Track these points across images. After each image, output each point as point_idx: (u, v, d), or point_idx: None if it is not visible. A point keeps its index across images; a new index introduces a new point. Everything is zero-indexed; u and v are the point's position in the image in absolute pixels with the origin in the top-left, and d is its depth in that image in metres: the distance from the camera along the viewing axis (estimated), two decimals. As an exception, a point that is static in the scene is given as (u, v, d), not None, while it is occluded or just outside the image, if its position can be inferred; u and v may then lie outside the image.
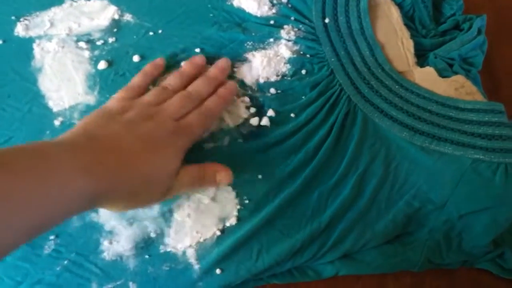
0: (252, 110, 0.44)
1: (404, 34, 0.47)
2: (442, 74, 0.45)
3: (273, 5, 0.48)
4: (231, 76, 0.45)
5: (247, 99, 0.44)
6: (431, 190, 0.41)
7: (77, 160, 0.31)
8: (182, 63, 0.44)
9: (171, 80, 0.42)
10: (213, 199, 0.41)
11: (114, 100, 0.40)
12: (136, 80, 0.42)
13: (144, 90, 0.42)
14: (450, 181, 0.40)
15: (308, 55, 0.46)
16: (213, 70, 0.43)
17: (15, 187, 0.27)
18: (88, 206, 0.32)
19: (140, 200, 0.36)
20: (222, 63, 0.44)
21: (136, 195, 0.35)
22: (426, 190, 0.41)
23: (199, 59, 0.44)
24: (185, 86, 0.42)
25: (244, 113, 0.43)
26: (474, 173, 0.40)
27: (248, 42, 0.46)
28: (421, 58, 0.47)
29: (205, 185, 0.40)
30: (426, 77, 0.45)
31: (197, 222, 0.40)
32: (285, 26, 0.47)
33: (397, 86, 0.44)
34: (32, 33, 0.46)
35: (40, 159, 0.29)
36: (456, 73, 0.45)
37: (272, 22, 0.47)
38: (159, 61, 0.44)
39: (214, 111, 0.41)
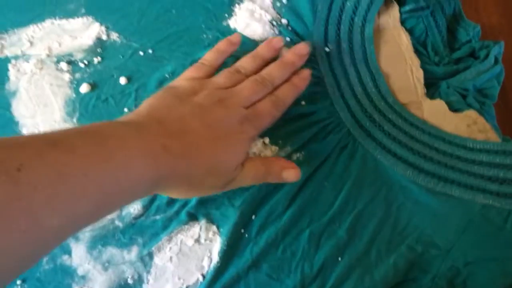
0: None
1: (414, 63, 0.47)
2: (454, 106, 0.46)
3: (273, 25, 0.48)
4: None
5: None
6: (435, 233, 0.41)
7: (142, 143, 0.32)
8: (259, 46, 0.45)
9: (245, 62, 0.43)
10: (197, 240, 0.42)
11: (183, 79, 0.41)
12: (208, 57, 0.44)
13: (215, 69, 0.43)
14: (457, 226, 0.41)
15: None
16: (290, 55, 0.44)
17: (73, 167, 0.27)
18: (148, 191, 0.34)
19: (202, 188, 0.38)
20: (301, 48, 0.45)
21: (199, 183, 0.36)
22: (430, 234, 0.41)
23: (276, 41, 0.45)
24: (258, 70, 0.43)
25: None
26: (484, 219, 0.40)
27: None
28: (433, 87, 0.48)
29: (269, 180, 0.41)
30: (436, 111, 0.46)
31: (180, 266, 0.41)
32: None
33: (401, 121, 0.45)
34: (7, 53, 0.48)
35: (102, 139, 0.30)
36: (469, 105, 0.46)
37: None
38: (235, 37, 0.45)
39: (286, 101, 0.42)
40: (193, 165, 0.34)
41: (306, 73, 0.44)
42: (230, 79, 0.41)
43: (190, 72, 0.42)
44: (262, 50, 0.45)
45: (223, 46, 0.44)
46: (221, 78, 0.41)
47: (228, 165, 0.37)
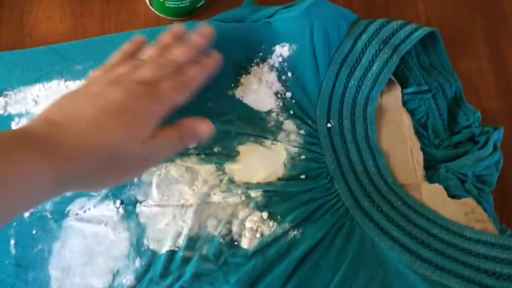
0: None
1: (414, 145, 0.49)
2: (453, 191, 0.47)
3: (277, 98, 0.50)
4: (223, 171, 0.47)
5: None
6: (431, 324, 0.42)
7: (33, 143, 0.32)
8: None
9: (148, 51, 0.44)
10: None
11: (87, 80, 0.42)
12: (114, 58, 0.44)
13: None
14: (452, 317, 0.41)
15: (307, 159, 0.48)
16: (194, 37, 0.44)
17: None
18: (57, 189, 0.33)
19: (114, 175, 0.38)
20: (204, 29, 0.45)
21: (108, 170, 0.36)
22: (425, 323, 0.42)
23: (178, 28, 0.46)
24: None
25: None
26: (479, 314, 0.41)
27: (243, 137, 0.49)
28: (432, 169, 0.49)
29: (186, 143, 0.42)
30: (434, 195, 0.47)
31: None
32: (286, 126, 0.49)
33: (399, 202, 0.46)
34: (11, 110, 0.49)
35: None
36: (468, 191, 0.47)
37: (272, 120, 0.49)
38: (138, 37, 0.46)
39: (195, 79, 0.42)
40: (93, 153, 0.34)
41: (215, 53, 0.45)
42: (130, 66, 0.41)
43: (94, 73, 0.42)
44: (165, 38, 0.45)
45: (128, 47, 0.45)
46: (121, 67, 0.41)
47: (131, 144, 0.37)
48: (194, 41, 0.44)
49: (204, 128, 0.41)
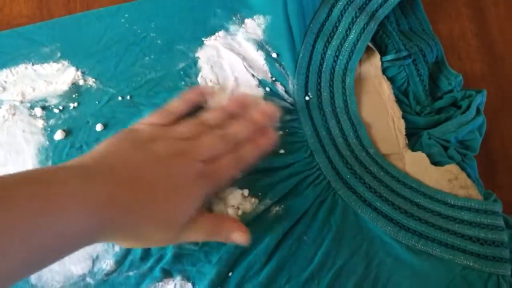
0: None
1: (395, 113, 0.48)
2: (436, 158, 0.46)
3: (253, 75, 0.48)
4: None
5: None
6: (416, 293, 0.41)
7: (87, 192, 0.31)
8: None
9: (211, 115, 0.43)
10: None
11: (144, 124, 0.41)
12: (174, 104, 0.44)
13: (179, 117, 0.43)
14: (437, 286, 0.41)
15: (285, 134, 0.46)
16: (258, 115, 0.44)
17: (13, 218, 0.27)
18: (92, 241, 0.33)
19: (150, 241, 0.37)
20: (268, 108, 0.44)
21: (146, 236, 0.36)
22: (411, 293, 0.41)
23: (245, 98, 0.45)
24: (223, 125, 0.43)
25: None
26: (464, 281, 0.40)
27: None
28: (414, 136, 0.48)
29: (219, 239, 0.41)
30: (417, 163, 0.46)
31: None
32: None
33: (382, 173, 0.45)
34: (-21, 97, 0.47)
35: (43, 185, 0.29)
36: (451, 157, 0.46)
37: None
38: (205, 88, 0.46)
39: (248, 161, 0.42)
40: (141, 219, 0.34)
41: (272, 134, 0.44)
42: (192, 130, 0.41)
43: (152, 117, 0.42)
44: (230, 105, 0.44)
45: (191, 95, 0.45)
46: (184, 128, 0.41)
47: (178, 220, 0.36)
48: (257, 120, 0.43)
49: (240, 236, 0.40)
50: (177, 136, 0.40)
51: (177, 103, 0.44)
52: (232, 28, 0.50)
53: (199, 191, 0.38)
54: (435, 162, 0.46)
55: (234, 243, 0.40)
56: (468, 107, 0.48)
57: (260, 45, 0.49)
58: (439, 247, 0.41)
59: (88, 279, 0.42)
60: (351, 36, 0.48)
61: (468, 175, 0.45)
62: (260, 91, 0.47)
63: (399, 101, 0.49)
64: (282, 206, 0.44)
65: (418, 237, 0.42)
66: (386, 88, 0.49)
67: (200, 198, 0.38)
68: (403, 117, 0.48)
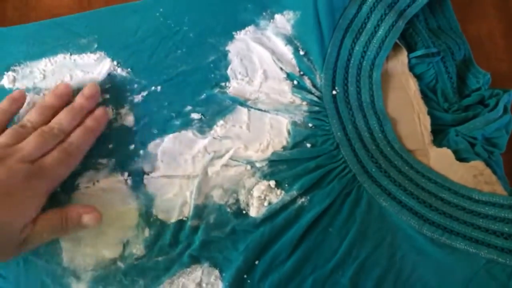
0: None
1: (421, 109, 0.48)
2: (462, 154, 0.46)
3: (281, 69, 0.49)
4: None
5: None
6: (440, 286, 0.41)
7: None
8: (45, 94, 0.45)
9: (31, 115, 0.42)
10: (199, 284, 0.42)
11: None
12: None
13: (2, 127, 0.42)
14: (461, 279, 0.41)
15: (312, 127, 0.47)
16: (79, 100, 0.44)
17: None
18: None
19: None
20: (90, 90, 0.45)
21: None
22: (434, 286, 0.41)
23: (63, 88, 0.45)
24: (48, 121, 0.42)
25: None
26: (488, 275, 0.40)
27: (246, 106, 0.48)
28: (441, 133, 0.48)
29: (69, 231, 0.40)
30: (442, 159, 0.46)
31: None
32: (290, 95, 0.48)
33: (407, 167, 0.45)
34: (19, 85, 0.49)
35: None
36: (478, 154, 0.46)
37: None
38: (18, 94, 0.44)
39: (79, 146, 0.42)
40: None
41: (99, 112, 0.44)
42: (13, 136, 0.40)
43: None
44: (49, 99, 0.44)
45: (5, 105, 0.43)
46: (3, 137, 0.40)
47: (13, 227, 0.36)
48: (80, 105, 0.44)
49: (91, 218, 0.40)
50: None
51: None
52: (262, 23, 0.50)
53: (31, 192, 0.37)
54: (461, 159, 0.45)
55: (88, 227, 0.40)
56: (496, 105, 0.47)
57: (289, 40, 0.50)
58: (463, 241, 0.41)
59: (119, 263, 0.43)
60: (380, 32, 0.48)
61: (494, 172, 0.44)
62: (288, 84, 0.48)
63: (427, 98, 0.49)
64: (308, 197, 0.44)
65: (442, 231, 0.42)
66: (412, 85, 0.49)
67: (34, 199, 0.38)
68: (431, 113, 0.48)
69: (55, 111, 0.43)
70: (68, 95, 0.45)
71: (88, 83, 0.47)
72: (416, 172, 0.45)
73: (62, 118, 0.42)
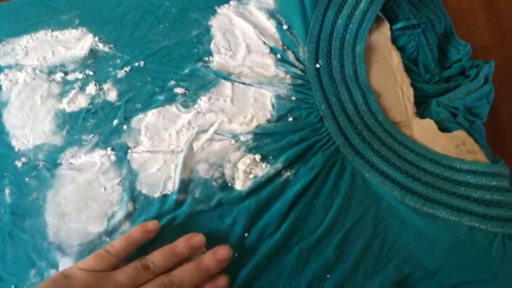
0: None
1: (404, 81, 0.46)
2: (444, 124, 0.44)
3: (264, 43, 0.46)
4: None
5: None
6: (422, 255, 0.40)
7: None
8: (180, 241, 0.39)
9: (157, 257, 0.37)
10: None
11: (80, 269, 0.35)
12: (116, 245, 0.37)
13: (121, 259, 0.38)
14: (443, 247, 0.39)
15: (296, 100, 0.45)
16: (209, 260, 0.38)
17: None
18: None
19: None
20: (222, 253, 0.38)
21: None
22: (417, 255, 0.40)
23: (197, 240, 0.39)
24: (171, 268, 0.37)
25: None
26: (469, 242, 0.39)
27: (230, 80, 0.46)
28: (423, 104, 0.47)
29: None
30: (425, 130, 0.44)
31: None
32: (274, 69, 0.46)
33: (390, 139, 0.43)
34: (1, 62, 0.46)
35: None
36: (459, 124, 0.45)
37: (260, 61, 0.46)
38: (152, 225, 0.39)
39: None
40: None
41: (222, 282, 0.38)
42: (134, 278, 0.35)
43: (91, 261, 0.36)
44: (179, 246, 0.38)
45: (136, 233, 0.38)
46: (124, 275, 0.35)
47: None
48: (208, 266, 0.38)
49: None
50: (113, 286, 0.34)
51: (120, 243, 0.38)
52: (245, -3, 0.48)
53: None
54: (443, 129, 0.44)
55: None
56: (476, 75, 0.46)
57: (271, 14, 0.47)
58: (445, 209, 0.40)
59: (104, 237, 0.41)
60: (362, 5, 0.46)
61: (476, 141, 0.43)
62: (271, 58, 0.46)
63: (408, 70, 0.47)
64: (293, 171, 0.42)
65: (424, 200, 0.40)
66: (395, 57, 0.47)
67: None
68: (412, 85, 0.46)
69: (181, 260, 0.38)
70: (199, 248, 0.39)
71: (70, 58, 0.45)
72: (399, 143, 0.43)
73: (186, 274, 0.37)
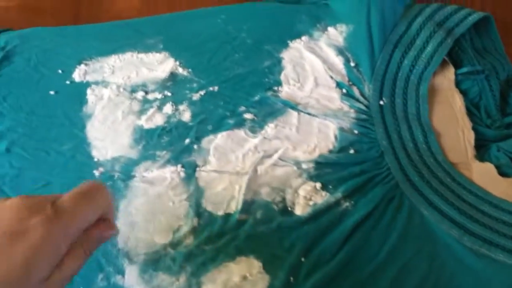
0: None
1: (466, 124, 0.46)
2: (503, 170, 0.44)
3: (331, 77, 0.48)
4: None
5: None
6: (477, 295, 0.39)
7: None
8: None
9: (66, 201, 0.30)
10: (244, 277, 0.40)
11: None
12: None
13: None
14: (499, 289, 0.38)
15: (358, 134, 0.45)
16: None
17: None
18: None
19: None
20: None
21: None
22: (472, 295, 0.39)
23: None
24: None
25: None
26: (526, 286, 0.38)
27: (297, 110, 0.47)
28: (483, 148, 0.46)
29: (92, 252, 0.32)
30: (484, 173, 0.44)
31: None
32: (339, 102, 0.47)
33: (449, 179, 0.43)
34: (89, 78, 0.49)
35: None
36: (519, 171, 0.44)
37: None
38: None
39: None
40: None
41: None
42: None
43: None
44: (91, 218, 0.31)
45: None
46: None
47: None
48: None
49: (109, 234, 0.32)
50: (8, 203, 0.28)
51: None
52: (316, 34, 0.50)
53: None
54: (502, 174, 0.43)
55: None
56: (538, 124, 0.46)
57: (340, 51, 0.49)
58: (502, 252, 0.39)
59: (169, 249, 0.42)
60: (428, 48, 0.47)
61: (535, 189, 0.42)
62: (337, 92, 0.47)
63: (470, 114, 0.47)
64: (352, 202, 0.42)
65: (482, 242, 0.40)
66: (458, 100, 0.47)
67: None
68: (474, 129, 0.46)
69: None
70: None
71: (152, 79, 0.47)
72: (457, 184, 0.43)
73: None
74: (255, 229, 0.42)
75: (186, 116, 0.47)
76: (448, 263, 0.40)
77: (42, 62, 0.51)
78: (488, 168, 0.44)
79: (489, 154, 0.45)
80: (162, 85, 0.48)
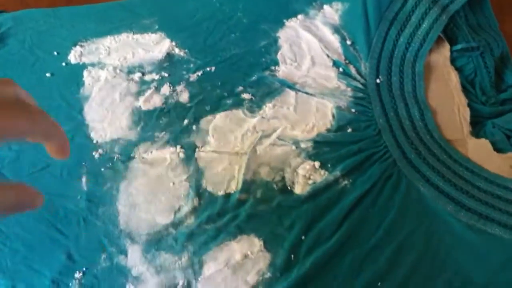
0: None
1: (461, 101, 0.45)
2: (498, 145, 0.44)
3: (328, 56, 0.47)
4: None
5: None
6: (473, 269, 0.39)
7: None
8: None
9: None
10: (245, 255, 0.40)
11: None
12: None
13: None
14: (495, 263, 0.38)
15: (355, 112, 0.45)
16: None
17: None
18: None
19: None
20: None
21: None
22: (468, 269, 0.39)
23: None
24: None
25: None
26: (522, 260, 0.38)
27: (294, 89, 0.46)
28: (478, 125, 0.46)
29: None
30: (480, 150, 0.43)
31: (227, 279, 0.39)
32: (336, 81, 0.46)
33: (445, 156, 0.43)
34: (85, 60, 0.48)
35: None
36: (513, 146, 0.43)
37: (323, 74, 0.46)
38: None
39: None
40: None
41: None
42: None
43: None
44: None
45: None
46: None
47: None
48: None
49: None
50: None
51: None
52: (312, 12, 0.49)
53: None
54: (497, 149, 0.43)
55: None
56: (532, 100, 0.45)
57: (336, 29, 0.48)
58: (498, 227, 0.39)
59: (171, 229, 0.41)
60: (424, 25, 0.46)
61: (530, 164, 0.42)
62: (334, 71, 0.46)
63: (465, 91, 0.46)
64: (350, 180, 0.42)
65: (478, 217, 0.39)
66: (453, 77, 0.46)
67: None
68: (469, 105, 0.45)
69: None
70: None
71: (148, 60, 0.45)
72: (454, 160, 0.43)
73: None
74: (255, 208, 0.42)
75: (184, 97, 0.46)
76: (445, 239, 0.40)
77: (37, 44, 0.50)
78: (484, 144, 0.43)
79: (485, 131, 0.45)
80: (159, 66, 0.47)
